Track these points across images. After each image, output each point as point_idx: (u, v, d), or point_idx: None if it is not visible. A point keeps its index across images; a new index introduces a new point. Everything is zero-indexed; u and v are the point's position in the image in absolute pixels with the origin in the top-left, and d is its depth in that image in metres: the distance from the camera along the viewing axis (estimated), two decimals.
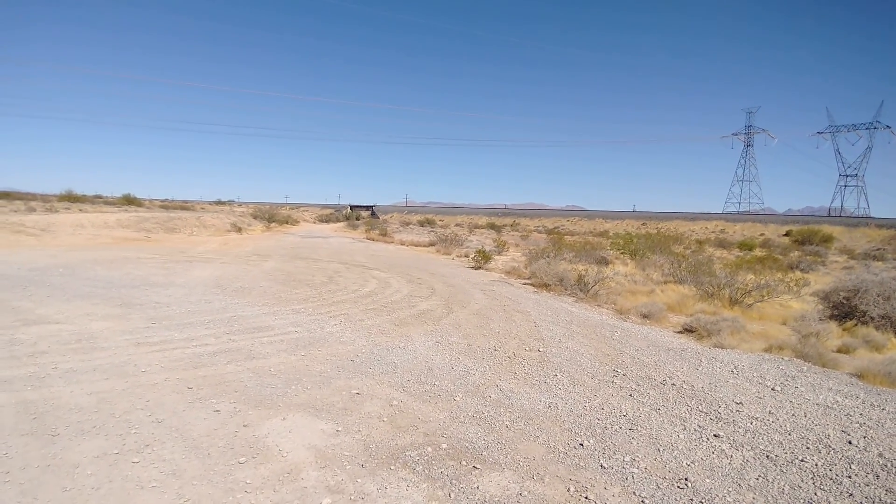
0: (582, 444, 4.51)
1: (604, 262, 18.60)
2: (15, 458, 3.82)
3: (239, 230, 33.71)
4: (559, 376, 6.39)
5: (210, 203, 77.40)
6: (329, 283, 12.93)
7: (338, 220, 62.54)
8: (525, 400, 5.55)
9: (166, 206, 49.72)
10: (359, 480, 3.76)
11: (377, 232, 36.32)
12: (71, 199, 40.55)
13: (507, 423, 4.92)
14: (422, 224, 52.58)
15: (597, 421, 5.05)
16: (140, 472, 3.72)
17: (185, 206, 54.13)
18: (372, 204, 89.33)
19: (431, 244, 27.40)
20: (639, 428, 4.91)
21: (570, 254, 19.96)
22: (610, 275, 14.22)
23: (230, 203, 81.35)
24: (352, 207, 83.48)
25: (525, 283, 14.68)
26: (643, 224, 66.41)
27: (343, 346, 7.33)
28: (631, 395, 5.80)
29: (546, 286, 13.83)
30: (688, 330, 9.24)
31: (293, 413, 4.92)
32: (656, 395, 5.86)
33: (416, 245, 28.19)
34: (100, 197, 49.86)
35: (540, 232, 47.55)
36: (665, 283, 14.29)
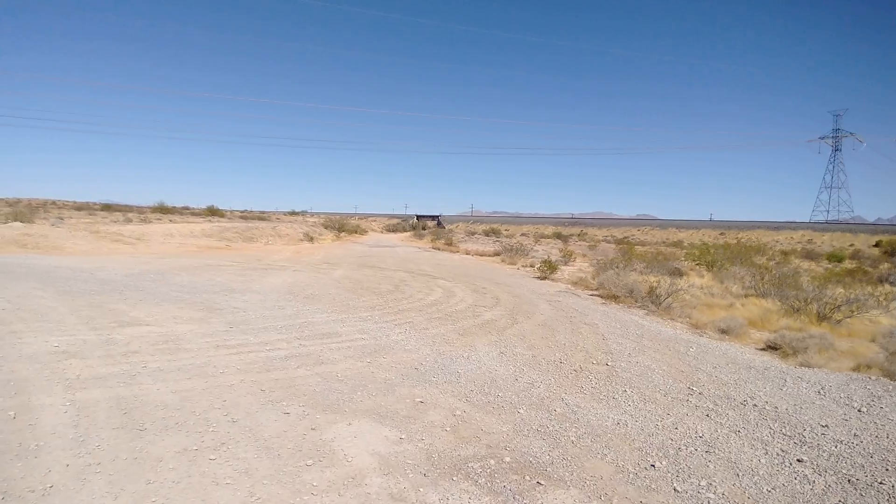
0: (654, 465, 4.28)
1: (678, 273, 17.77)
2: (106, 450, 4.12)
3: (311, 239, 35.11)
4: (629, 392, 6.13)
5: (285, 213, 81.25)
6: (395, 292, 13.15)
7: (404, 230, 63.78)
8: (592, 415, 5.36)
9: (245, 216, 52.79)
10: (421, 490, 3.76)
11: (443, 241, 36.68)
12: (162, 210, 44.09)
13: (573, 438, 4.77)
14: (487, 234, 52.50)
15: (670, 441, 4.79)
16: (216, 469, 3.91)
17: (262, 216, 57.27)
18: (438, 214, 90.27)
19: (496, 254, 27.32)
20: (716, 450, 4.61)
21: (640, 264, 19.25)
22: (684, 287, 13.55)
23: (303, 213, 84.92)
24: (418, 217, 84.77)
25: (593, 295, 14.27)
26: (721, 234, 63.18)
27: (408, 354, 7.41)
28: (708, 416, 5.47)
29: (615, 298, 13.38)
30: (771, 347, 8.62)
31: (358, 419, 5.01)
32: (736, 416, 5.50)
33: (482, 255, 28.19)
34: (187, 208, 53.73)
35: (608, 242, 46.23)
36: (746, 296, 13.47)
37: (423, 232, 53.55)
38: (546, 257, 21.95)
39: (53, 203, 58.78)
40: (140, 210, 47.18)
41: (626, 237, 56.26)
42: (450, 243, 35.20)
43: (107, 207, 49.19)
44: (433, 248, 33.41)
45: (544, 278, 17.73)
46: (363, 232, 54.27)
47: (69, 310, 9.14)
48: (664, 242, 46.47)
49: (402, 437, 4.64)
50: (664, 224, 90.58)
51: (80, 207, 49.70)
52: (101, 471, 3.80)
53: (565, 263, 23.13)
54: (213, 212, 48.05)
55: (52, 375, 5.74)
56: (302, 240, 34.29)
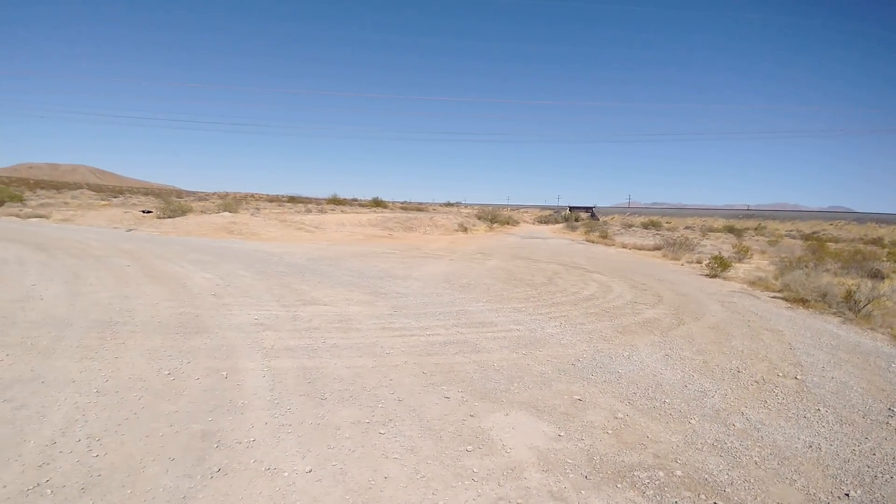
0: (847, 495, 3.68)
1: (878, 275, 14.89)
2: (295, 413, 4.68)
3: (465, 230, 36.15)
4: (822, 411, 5.30)
5: (440, 205, 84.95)
6: (548, 284, 12.95)
7: (556, 222, 62.58)
8: (779, 435, 4.71)
9: (405, 207, 56.30)
10: (583, 492, 3.63)
11: (597, 234, 35.21)
12: (336, 202, 48.98)
13: (756, 458, 4.24)
14: (646, 226, 49.17)
15: (867, 468, 4.10)
16: (385, 443, 4.20)
17: (420, 207, 60.55)
18: (592, 205, 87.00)
19: (657, 248, 25.45)
20: None
21: (834, 264, 16.51)
22: (887, 292, 11.31)
23: (457, 204, 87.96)
24: (571, 209, 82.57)
25: (774, 297, 12.57)
26: None
27: (563, 348, 7.24)
28: None
29: (803, 301, 11.64)
30: None
31: (515, 410, 5.02)
32: None
33: (640, 248, 26.49)
34: (356, 200, 59.07)
35: (793, 237, 40.38)
36: None
37: (575, 224, 52.03)
38: (716, 253, 19.88)
39: (252, 196, 68.76)
40: (318, 202, 53.12)
41: (814, 232, 48.55)
42: (604, 236, 33.62)
43: (292, 199, 56.42)
44: (587, 241, 32.24)
45: (714, 276, 16.07)
46: (515, 223, 54.34)
47: (265, 288, 10.56)
48: (862, 239, 39.19)
49: (561, 434, 4.54)
50: (862, 217, 76.32)
51: (271, 199, 57.63)
52: (292, 432, 4.32)
53: (739, 260, 20.72)
54: (377, 203, 51.99)
55: (253, 344, 6.68)
56: (457, 230, 35.47)
